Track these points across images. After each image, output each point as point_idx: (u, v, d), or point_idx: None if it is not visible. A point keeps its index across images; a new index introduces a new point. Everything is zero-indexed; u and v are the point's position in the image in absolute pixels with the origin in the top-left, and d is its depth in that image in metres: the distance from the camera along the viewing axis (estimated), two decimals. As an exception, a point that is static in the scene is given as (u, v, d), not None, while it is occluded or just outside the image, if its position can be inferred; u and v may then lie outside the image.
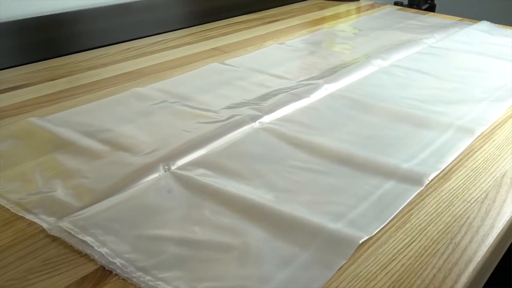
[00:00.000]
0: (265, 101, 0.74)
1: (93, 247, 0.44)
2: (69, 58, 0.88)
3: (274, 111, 0.70)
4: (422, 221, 0.51)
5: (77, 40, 0.91)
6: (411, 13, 1.33)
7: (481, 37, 1.11)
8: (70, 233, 0.45)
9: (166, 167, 0.56)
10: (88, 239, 0.44)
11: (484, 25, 1.20)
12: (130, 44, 0.96)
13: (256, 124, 0.67)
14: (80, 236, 0.45)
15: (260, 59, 0.93)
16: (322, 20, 1.23)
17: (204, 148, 0.61)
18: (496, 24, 1.22)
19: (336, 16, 1.28)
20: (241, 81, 0.82)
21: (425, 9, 1.67)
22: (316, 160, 0.60)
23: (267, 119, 0.69)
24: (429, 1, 1.74)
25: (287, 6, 1.33)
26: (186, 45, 0.98)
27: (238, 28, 1.11)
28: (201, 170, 0.56)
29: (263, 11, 1.26)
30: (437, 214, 0.52)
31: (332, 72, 0.86)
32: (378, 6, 1.38)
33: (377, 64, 0.91)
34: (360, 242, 0.46)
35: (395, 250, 0.46)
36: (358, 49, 1.01)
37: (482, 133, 0.69)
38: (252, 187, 0.54)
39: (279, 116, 0.70)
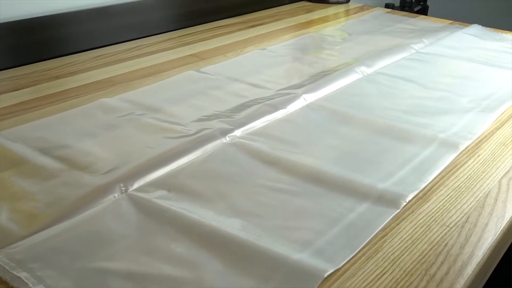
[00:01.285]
0: (238, 113, 0.70)
1: (28, 284, 0.40)
2: (35, 66, 0.84)
3: (246, 124, 0.66)
4: (395, 249, 0.47)
5: (45, 46, 0.86)
6: (400, 16, 1.29)
7: (471, 42, 1.07)
8: (5, 268, 0.41)
9: (123, 188, 0.52)
10: (24, 275, 0.40)
11: (475, 29, 1.16)
12: (102, 51, 0.92)
13: (225, 139, 0.63)
14: (15, 272, 0.41)
15: (238, 66, 0.88)
16: (309, 23, 1.19)
17: (167, 166, 0.57)
18: (488, 28, 1.17)
19: (323, 20, 1.24)
20: (215, 91, 0.78)
21: (418, 11, 1.63)
22: (287, 178, 0.56)
23: (238, 133, 0.64)
24: (421, 3, 1.70)
25: (272, 9, 1.28)
26: (162, 51, 0.94)
27: (218, 32, 1.07)
28: (161, 192, 0.52)
29: (247, 15, 1.21)
30: (412, 241, 0.48)
31: (313, 81, 0.82)
32: (368, 9, 1.34)
33: (361, 72, 0.87)
34: (325, 275, 0.42)
35: (364, 284, 0.42)
36: (343, 55, 0.97)
37: (466, 148, 0.65)
38: (214, 212, 0.50)
39: (251, 130, 0.66)
